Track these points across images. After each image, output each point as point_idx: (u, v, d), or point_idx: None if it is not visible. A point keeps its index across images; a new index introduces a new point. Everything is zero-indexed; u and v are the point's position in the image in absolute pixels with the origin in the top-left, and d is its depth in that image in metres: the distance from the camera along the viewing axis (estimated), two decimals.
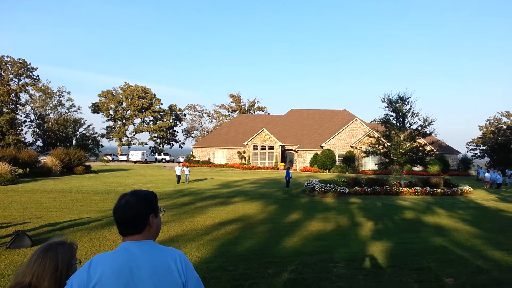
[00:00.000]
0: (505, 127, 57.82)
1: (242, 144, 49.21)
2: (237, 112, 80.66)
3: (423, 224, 12.91)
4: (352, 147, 44.56)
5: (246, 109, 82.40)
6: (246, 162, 47.78)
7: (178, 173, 25.38)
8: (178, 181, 25.16)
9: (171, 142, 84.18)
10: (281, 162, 47.75)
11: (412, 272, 7.07)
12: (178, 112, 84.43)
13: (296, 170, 45.27)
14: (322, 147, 45.86)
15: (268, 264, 7.35)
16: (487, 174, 29.58)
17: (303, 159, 47.04)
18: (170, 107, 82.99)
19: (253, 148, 47.96)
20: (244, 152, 49.15)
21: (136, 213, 1.89)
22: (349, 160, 43.24)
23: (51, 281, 1.96)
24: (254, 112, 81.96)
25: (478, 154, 61.67)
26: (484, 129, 60.88)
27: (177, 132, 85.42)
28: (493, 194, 23.87)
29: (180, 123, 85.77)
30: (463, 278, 6.78)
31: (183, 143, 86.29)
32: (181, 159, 56.22)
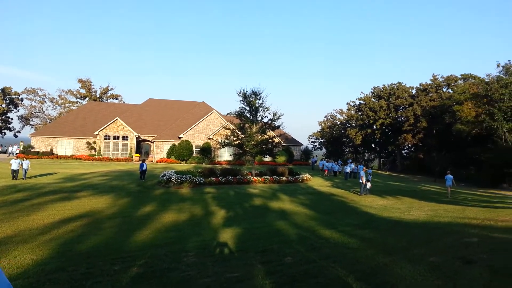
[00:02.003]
0: (338, 123, 67.31)
1: (92, 134, 45.11)
2: (87, 99, 73.45)
3: (269, 210, 14.09)
4: (209, 138, 45.54)
5: (98, 96, 75.71)
6: (96, 153, 44.01)
7: (14, 167, 21.15)
8: (15, 177, 20.99)
9: (3, 130, 71.40)
10: (136, 153, 45.56)
11: (257, 255, 7.62)
12: (14, 96, 71.97)
13: (153, 161, 43.91)
14: (179, 138, 45.55)
15: (115, 261, 6.92)
16: (326, 164, 34.04)
17: (160, 150, 45.90)
18: (3, 90, 69.99)
19: (105, 139, 44.49)
20: (95, 142, 45.20)
21: None
22: (206, 151, 44.12)
23: None
24: (107, 100, 75.91)
25: (317, 146, 70.39)
26: (323, 124, 69.67)
27: (12, 119, 72.85)
28: (328, 181, 27.64)
29: (16, 108, 73.37)
30: (299, 256, 7.61)
31: (19, 132, 74.09)
32: (16, 149, 47.54)
